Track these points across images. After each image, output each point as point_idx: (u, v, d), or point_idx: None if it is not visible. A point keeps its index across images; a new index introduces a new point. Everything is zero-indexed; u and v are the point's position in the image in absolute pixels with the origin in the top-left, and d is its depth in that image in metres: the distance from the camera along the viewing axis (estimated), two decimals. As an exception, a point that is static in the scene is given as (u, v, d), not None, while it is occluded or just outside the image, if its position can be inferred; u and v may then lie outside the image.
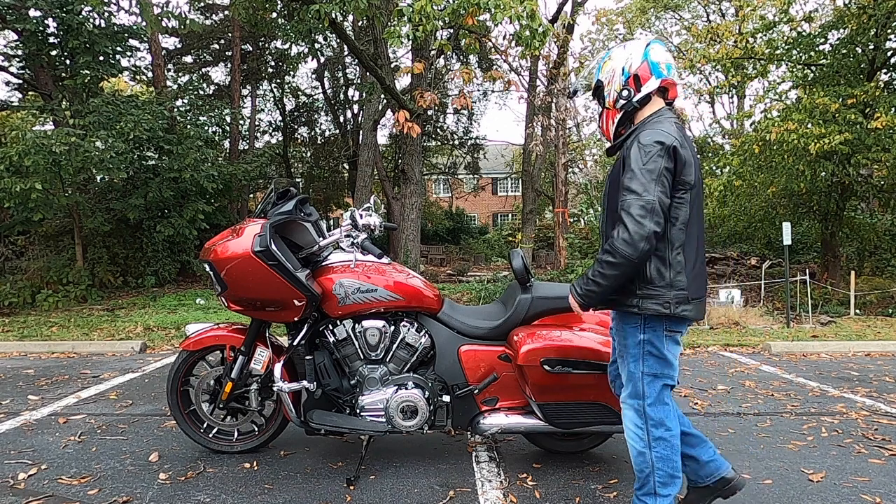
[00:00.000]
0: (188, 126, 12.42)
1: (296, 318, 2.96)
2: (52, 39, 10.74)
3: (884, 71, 10.38)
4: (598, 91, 2.27)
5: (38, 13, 10.29)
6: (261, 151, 15.78)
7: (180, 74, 19.43)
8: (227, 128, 15.03)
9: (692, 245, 2.12)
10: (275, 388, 3.03)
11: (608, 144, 2.33)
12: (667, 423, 2.19)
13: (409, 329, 3.05)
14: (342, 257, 3.10)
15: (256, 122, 20.86)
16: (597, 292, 2.14)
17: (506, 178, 33.55)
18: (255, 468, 3.13)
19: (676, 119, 2.18)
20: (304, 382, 3.02)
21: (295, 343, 3.05)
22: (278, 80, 21.05)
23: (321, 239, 3.06)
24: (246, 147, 18.17)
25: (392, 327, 3.05)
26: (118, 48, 11.28)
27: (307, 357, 3.04)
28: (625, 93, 2.19)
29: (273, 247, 2.81)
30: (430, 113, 17.78)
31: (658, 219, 2.00)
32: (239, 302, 2.97)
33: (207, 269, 2.98)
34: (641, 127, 2.15)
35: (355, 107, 21.91)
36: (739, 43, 10.11)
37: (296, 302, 2.88)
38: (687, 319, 2.13)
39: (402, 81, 14.79)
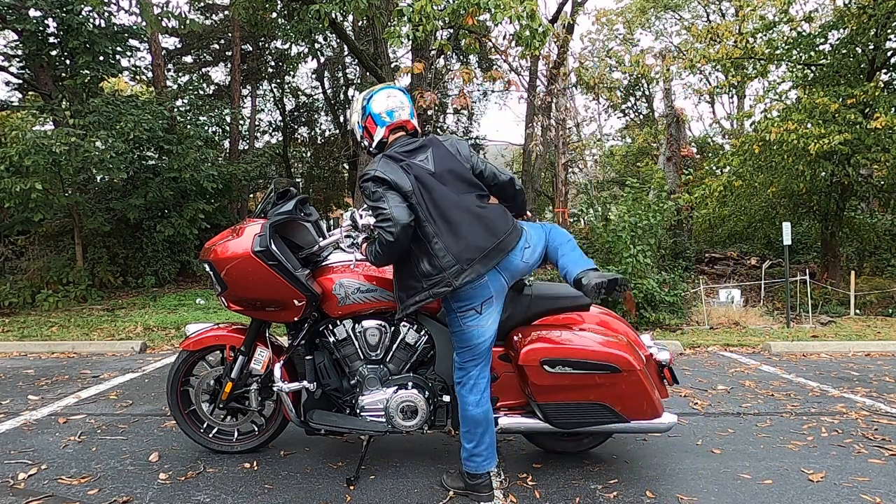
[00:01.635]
0: (188, 126, 12.40)
1: (296, 318, 2.96)
2: (52, 39, 10.72)
3: (884, 71, 10.37)
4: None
5: (38, 13, 10.28)
6: (261, 151, 15.76)
7: (180, 74, 19.41)
8: (227, 128, 15.01)
9: (443, 228, 2.51)
10: (275, 389, 3.03)
11: None
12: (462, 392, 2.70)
13: (408, 329, 3.05)
14: (342, 257, 3.10)
15: (256, 122, 20.84)
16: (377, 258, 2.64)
17: (506, 178, 33.44)
18: (255, 468, 3.13)
19: (404, 144, 2.62)
20: (304, 382, 3.02)
21: (295, 343, 3.05)
22: (278, 80, 21.03)
23: (321, 239, 3.06)
24: (246, 147, 18.15)
25: (392, 327, 3.05)
26: (118, 48, 11.25)
27: (307, 357, 3.04)
28: (364, 143, 2.73)
29: (273, 247, 2.81)
30: (430, 113, 17.78)
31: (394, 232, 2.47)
32: (239, 302, 2.97)
33: (207, 269, 2.98)
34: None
35: (355, 107, 21.91)
36: (739, 43, 10.10)
37: (296, 302, 2.88)
38: (472, 283, 2.52)
39: (402, 81, 14.78)
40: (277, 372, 2.98)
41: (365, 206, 3.11)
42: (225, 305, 3.01)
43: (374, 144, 2.69)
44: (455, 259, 2.51)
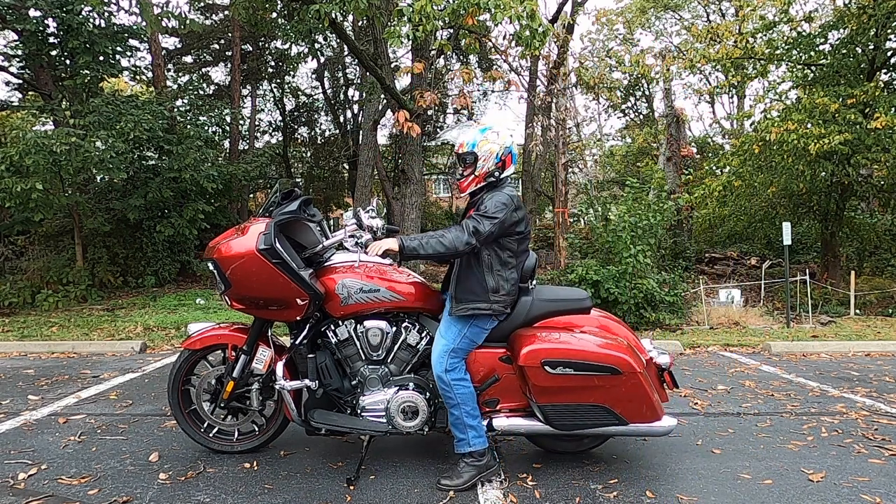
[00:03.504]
0: (188, 126, 12.39)
1: (298, 318, 2.97)
2: (52, 39, 10.70)
3: (884, 71, 10.37)
4: (468, 157, 2.94)
5: (38, 13, 10.26)
6: (261, 151, 15.75)
7: (180, 74, 19.39)
8: (227, 128, 14.99)
9: (519, 265, 2.98)
10: (276, 387, 3.03)
11: (464, 195, 3.08)
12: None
13: (410, 330, 3.06)
14: (345, 257, 3.11)
15: (256, 122, 20.83)
16: (421, 255, 2.81)
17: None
18: (255, 468, 3.13)
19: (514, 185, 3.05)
20: (306, 381, 3.03)
21: (297, 342, 3.05)
22: (278, 80, 21.01)
23: (325, 239, 3.07)
24: (246, 147, 18.14)
25: (394, 328, 3.06)
26: (118, 48, 11.24)
27: (309, 356, 3.05)
28: (497, 173, 2.95)
29: (277, 245, 2.82)
30: (430, 113, 17.77)
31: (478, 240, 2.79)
32: (242, 300, 2.97)
33: (211, 267, 2.99)
34: (497, 189, 2.94)
35: (355, 107, 21.88)
36: (739, 43, 10.10)
37: (298, 301, 2.88)
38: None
39: (402, 81, 14.75)
40: (279, 370, 2.99)
41: (367, 208, 3.14)
42: (228, 304, 3.02)
43: (502, 175, 2.99)
44: (515, 291, 2.96)
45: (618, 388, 2.78)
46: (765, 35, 10.57)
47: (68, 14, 10.07)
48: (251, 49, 18.67)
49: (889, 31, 9.64)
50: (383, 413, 2.97)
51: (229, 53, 18.06)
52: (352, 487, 2.88)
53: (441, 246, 2.75)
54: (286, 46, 17.32)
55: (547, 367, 2.74)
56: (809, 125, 9.08)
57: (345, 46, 15.50)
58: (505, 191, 2.93)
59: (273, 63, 19.75)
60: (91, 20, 10.64)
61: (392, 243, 2.76)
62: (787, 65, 11.14)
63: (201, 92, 15.05)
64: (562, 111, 11.96)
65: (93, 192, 11.69)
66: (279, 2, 9.86)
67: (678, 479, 3.01)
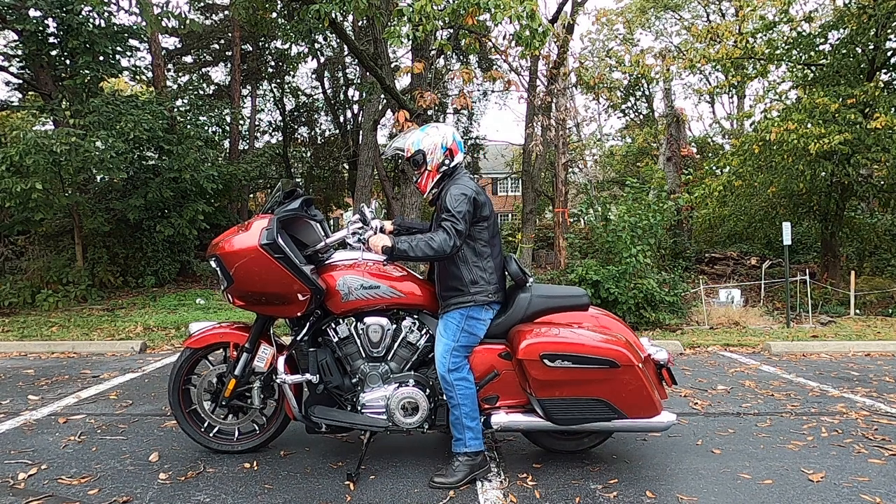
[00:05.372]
0: (188, 126, 12.40)
1: (299, 313, 2.99)
2: (52, 39, 10.72)
3: (884, 71, 10.37)
4: (418, 156, 3.01)
5: (38, 13, 10.28)
6: (261, 151, 15.77)
7: (180, 74, 19.40)
8: (227, 128, 15.01)
9: (495, 252, 3.03)
10: (277, 381, 3.04)
11: (427, 197, 3.11)
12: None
13: (410, 327, 3.06)
14: (347, 255, 3.13)
15: (256, 122, 20.83)
16: (410, 257, 2.87)
17: (506, 178, 33.44)
18: (255, 468, 3.13)
19: (469, 173, 3.14)
20: (307, 375, 3.04)
21: (298, 339, 3.07)
22: (278, 80, 21.01)
23: (326, 238, 3.10)
24: (246, 147, 18.15)
25: (394, 325, 3.07)
26: (118, 48, 11.26)
27: (310, 350, 3.06)
28: (446, 161, 3.01)
29: (279, 240, 2.85)
30: (430, 113, 17.75)
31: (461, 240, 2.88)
32: (244, 297, 2.99)
33: (214, 264, 3.01)
34: (452, 181, 3.00)
35: (355, 107, 21.87)
36: (739, 43, 10.10)
37: (300, 296, 2.90)
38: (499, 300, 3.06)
39: (402, 81, 14.74)
40: (280, 366, 3.00)
41: (371, 205, 3.17)
42: (230, 301, 3.04)
43: (452, 163, 3.04)
44: (497, 279, 3.01)
45: (616, 382, 2.79)
46: (765, 35, 10.57)
47: (68, 14, 10.08)
48: (251, 49, 18.67)
49: (889, 31, 9.64)
50: (383, 409, 2.98)
51: (229, 53, 18.07)
52: (352, 484, 2.88)
53: (430, 249, 2.81)
54: (286, 46, 17.30)
55: (546, 361, 2.75)
56: (809, 125, 9.07)
57: (345, 46, 15.50)
58: (460, 181, 2.97)
59: (273, 63, 19.75)
60: (91, 20, 10.65)
61: (388, 241, 2.80)
62: (787, 65, 11.14)
63: (201, 92, 15.06)
64: (562, 111, 11.97)
65: (93, 192, 11.70)
66: (279, 2, 9.86)
67: (678, 479, 3.01)
